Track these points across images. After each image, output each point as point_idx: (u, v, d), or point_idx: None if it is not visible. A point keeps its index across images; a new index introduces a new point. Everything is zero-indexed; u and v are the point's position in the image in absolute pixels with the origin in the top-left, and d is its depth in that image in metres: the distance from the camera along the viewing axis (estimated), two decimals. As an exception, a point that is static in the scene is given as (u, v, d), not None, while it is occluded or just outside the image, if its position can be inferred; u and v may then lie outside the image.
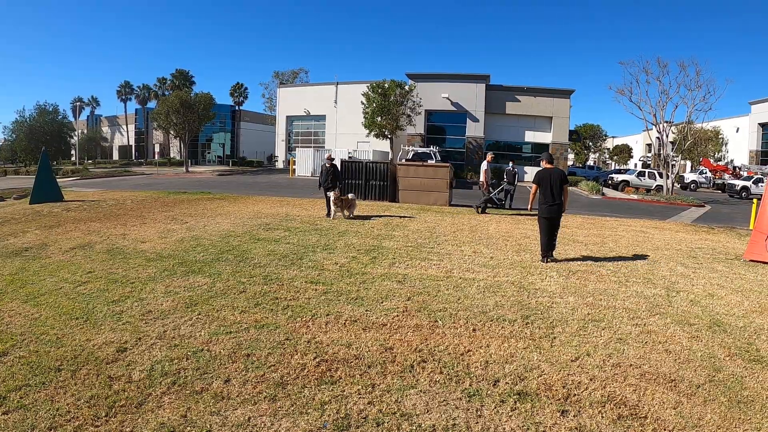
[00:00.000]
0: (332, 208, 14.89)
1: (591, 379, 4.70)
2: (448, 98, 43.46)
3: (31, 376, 4.55)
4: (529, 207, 11.62)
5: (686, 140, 33.33)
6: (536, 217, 10.36)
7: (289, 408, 4.06)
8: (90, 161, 73.34)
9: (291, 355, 5.02)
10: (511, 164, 21.52)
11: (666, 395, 4.47)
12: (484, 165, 18.53)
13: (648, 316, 6.66)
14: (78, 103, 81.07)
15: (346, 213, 14.98)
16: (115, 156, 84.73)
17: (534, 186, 9.90)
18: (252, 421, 3.88)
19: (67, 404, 4.07)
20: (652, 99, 30.43)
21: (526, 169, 43.35)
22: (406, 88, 40.25)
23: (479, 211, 18.06)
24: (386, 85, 39.63)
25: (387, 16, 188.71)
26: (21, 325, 5.89)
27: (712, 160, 49.62)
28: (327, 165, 15.60)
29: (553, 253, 10.03)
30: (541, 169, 10.10)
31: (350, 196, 15.45)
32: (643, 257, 10.72)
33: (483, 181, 18.20)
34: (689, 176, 47.10)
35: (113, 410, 3.98)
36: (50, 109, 57.20)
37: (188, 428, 3.76)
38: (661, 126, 30.36)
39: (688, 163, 54.73)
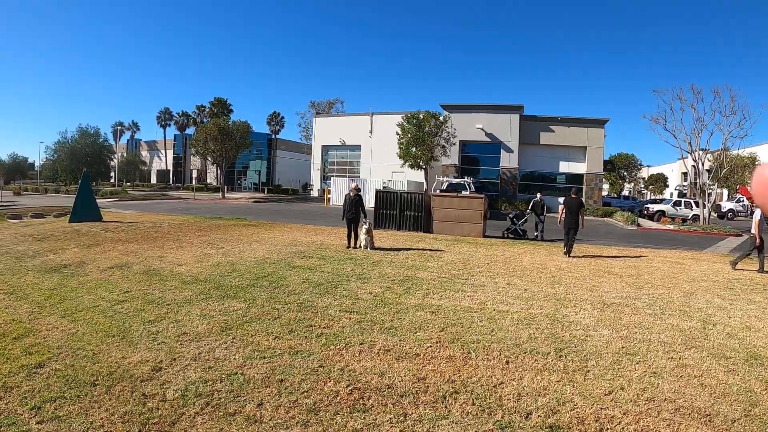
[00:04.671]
0: (361, 237, 14.77)
1: (624, 414, 4.60)
2: (482, 129, 43.46)
3: (66, 389, 4.69)
4: (558, 221, 15.78)
5: (722, 168, 32.55)
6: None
7: (321, 434, 4.07)
8: (128, 184, 75.41)
9: (324, 381, 5.05)
10: (538, 195, 21.47)
11: (700, 430, 4.35)
12: (757, 215, 14.24)
13: (683, 349, 6.52)
14: (119, 127, 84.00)
15: (372, 243, 14.82)
16: (153, 180, 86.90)
17: (562, 207, 15.40)
18: (284, 445, 3.90)
19: (101, 418, 4.16)
20: (686, 127, 29.96)
21: (560, 199, 42.79)
22: (441, 118, 40.39)
23: (504, 235, 20.10)
24: (421, 116, 39.83)
25: (420, 47, 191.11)
26: (58, 339, 6.08)
27: (749, 188, 48.29)
28: (352, 195, 15.38)
29: (571, 253, 15.04)
30: (567, 197, 15.43)
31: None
32: (679, 289, 10.49)
33: (756, 233, 13.96)
34: (726, 205, 45.99)
35: (147, 427, 4.05)
36: (92, 132, 59.06)
37: (222, 451, 3.81)
38: (696, 154, 29.76)
39: (725, 192, 53.47)
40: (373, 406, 4.55)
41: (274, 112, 76.88)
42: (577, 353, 6.19)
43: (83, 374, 5.03)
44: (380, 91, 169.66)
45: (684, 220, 33.80)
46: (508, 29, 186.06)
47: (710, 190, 31.79)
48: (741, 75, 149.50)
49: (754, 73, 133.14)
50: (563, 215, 15.20)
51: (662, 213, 35.91)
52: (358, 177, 47.48)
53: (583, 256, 15.07)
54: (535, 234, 20.47)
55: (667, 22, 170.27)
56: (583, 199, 40.88)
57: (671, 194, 68.97)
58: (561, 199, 41.76)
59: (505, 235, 20.34)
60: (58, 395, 4.55)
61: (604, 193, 62.50)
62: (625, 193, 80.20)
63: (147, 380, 4.94)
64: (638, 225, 30.08)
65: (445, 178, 36.10)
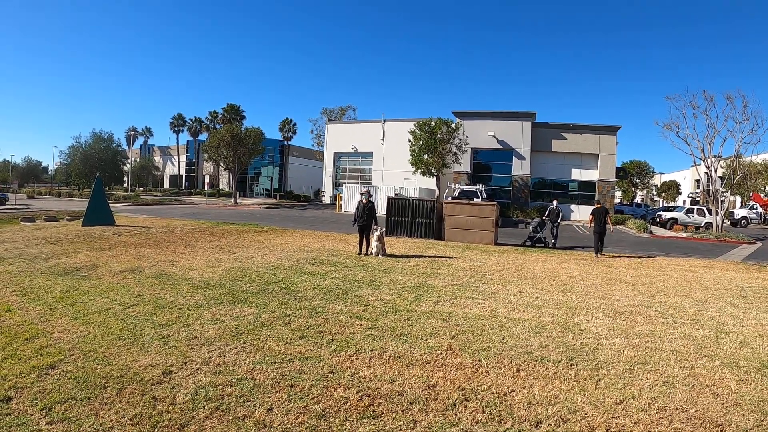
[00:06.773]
0: (372, 244, 14.75)
1: (635, 423, 4.55)
2: (494, 136, 43.35)
3: (77, 390, 4.72)
4: (589, 226, 18.49)
5: (735, 175, 32.16)
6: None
7: (330, 440, 4.05)
8: (141, 188, 75.96)
9: (334, 388, 5.04)
10: (555, 202, 21.25)
11: (713, 440, 4.29)
12: None
13: (696, 358, 6.45)
14: (132, 133, 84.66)
15: (383, 250, 14.77)
16: (166, 185, 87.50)
17: (591, 216, 17.88)
18: (294, 451, 3.89)
19: (111, 420, 4.18)
20: (699, 133, 29.54)
21: (573, 207, 42.86)
22: (453, 125, 40.29)
23: (526, 245, 19.94)
24: (433, 123, 39.77)
25: (432, 52, 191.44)
26: (69, 341, 6.14)
27: (762, 195, 47.73)
28: (364, 201, 15.44)
29: (601, 253, 17.40)
30: (595, 207, 18.13)
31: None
32: (691, 297, 10.39)
33: None
34: (739, 212, 45.52)
35: (156, 430, 4.07)
36: (105, 137, 59.65)
37: (231, 455, 3.81)
38: (709, 161, 29.39)
39: (738, 199, 52.90)
40: (383, 413, 4.54)
41: (287, 119, 77.05)
42: (589, 362, 6.14)
43: (94, 376, 5.06)
44: (392, 98, 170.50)
45: (697, 228, 33.38)
46: (521, 32, 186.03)
47: (723, 198, 31.42)
48: (754, 81, 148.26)
49: (767, 79, 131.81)
50: (592, 223, 17.62)
51: (675, 221, 35.54)
52: (370, 184, 47.37)
53: (595, 264, 14.95)
54: (546, 240, 20.28)
55: (678, 26, 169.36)
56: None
57: (684, 201, 68.43)
58: (573, 207, 42.18)
59: (529, 244, 20.05)
60: (68, 396, 4.58)
61: (617, 200, 62.12)
62: (638, 200, 79.58)
63: (157, 383, 4.96)
64: (650, 233, 29.79)
65: (456, 186, 35.97)
